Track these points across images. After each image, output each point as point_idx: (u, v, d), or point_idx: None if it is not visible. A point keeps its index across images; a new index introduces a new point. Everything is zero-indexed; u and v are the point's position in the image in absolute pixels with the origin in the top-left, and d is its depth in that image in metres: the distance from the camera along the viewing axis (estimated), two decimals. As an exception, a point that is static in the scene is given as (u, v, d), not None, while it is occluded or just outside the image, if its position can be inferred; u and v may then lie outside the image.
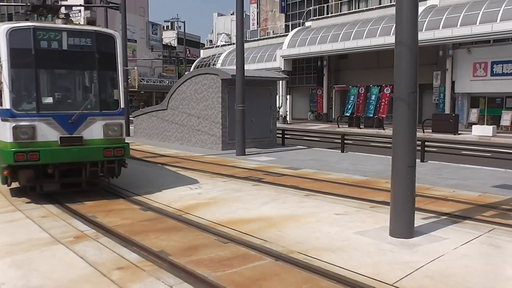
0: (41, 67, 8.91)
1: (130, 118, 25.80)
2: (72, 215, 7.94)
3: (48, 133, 8.53)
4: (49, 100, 9.02)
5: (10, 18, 67.49)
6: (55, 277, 5.15)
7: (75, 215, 7.93)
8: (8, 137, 8.34)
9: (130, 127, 25.23)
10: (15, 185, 9.08)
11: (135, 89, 9.34)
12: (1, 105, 8.58)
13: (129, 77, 9.54)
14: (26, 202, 8.89)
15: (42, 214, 7.95)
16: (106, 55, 9.28)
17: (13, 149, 8.25)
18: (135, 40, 71.26)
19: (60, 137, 8.62)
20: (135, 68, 10.38)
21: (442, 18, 28.63)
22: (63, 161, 8.76)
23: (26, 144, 8.36)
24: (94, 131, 8.95)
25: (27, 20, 9.64)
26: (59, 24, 9.06)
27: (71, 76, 9.72)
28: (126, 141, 9.54)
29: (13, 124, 8.30)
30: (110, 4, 31.28)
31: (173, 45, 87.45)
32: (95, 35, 9.17)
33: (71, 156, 8.77)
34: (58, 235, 6.70)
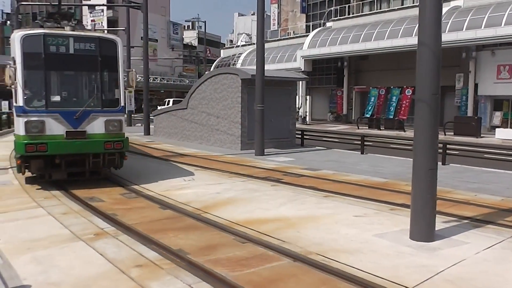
0: (50, 69, 9.98)
1: (150, 117, 25.99)
2: (93, 212, 8.03)
3: (55, 127, 9.67)
4: (57, 98, 10.12)
5: (34, 18, 68.68)
6: (74, 273, 5.21)
7: (95, 212, 8.02)
8: (21, 131, 9.54)
9: (150, 126, 25.41)
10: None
11: (133, 89, 11.06)
12: (16, 103, 9.72)
13: (125, 74, 10.77)
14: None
15: (63, 211, 8.05)
16: (108, 58, 10.33)
17: (24, 141, 9.41)
18: (156, 40, 71.86)
19: (66, 131, 9.76)
20: (133, 70, 11.20)
21: (465, 19, 28.24)
22: (68, 153, 9.89)
23: (36, 137, 9.48)
24: (96, 126, 10.04)
25: (41, 26, 10.56)
26: (67, 30, 10.14)
27: (77, 77, 10.71)
28: (126, 136, 10.57)
29: (25, 119, 9.47)
30: (132, 4, 31.53)
31: (193, 44, 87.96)
32: (98, 41, 10.26)
33: (75, 148, 9.87)
34: (79, 232, 6.78)
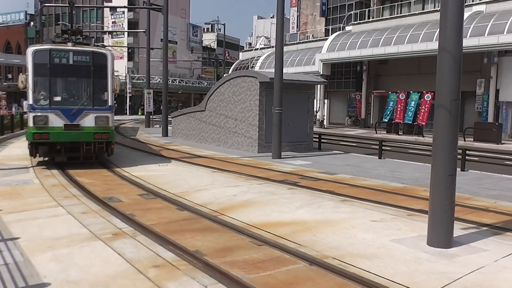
0: (53, 75, 12.53)
1: (169, 119, 26.16)
2: (111, 212, 8.12)
3: (56, 121, 12.27)
4: (58, 98, 12.63)
5: (57, 19, 69.79)
6: (93, 272, 5.28)
7: (114, 212, 8.12)
8: (30, 123, 12.22)
9: (168, 127, 25.58)
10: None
11: (116, 92, 13.38)
12: (27, 101, 12.35)
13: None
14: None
15: (82, 211, 8.17)
16: (99, 68, 12.79)
17: (32, 131, 12.12)
18: (176, 42, 72.40)
19: (64, 124, 12.33)
20: (117, 76, 13.68)
21: (488, 24, 27.89)
22: (65, 141, 12.52)
23: (41, 128, 12.13)
24: (87, 120, 12.54)
25: (53, 42, 13.68)
26: (68, 46, 12.79)
27: (74, 82, 13.13)
28: (113, 129, 13.06)
29: (33, 114, 12.15)
30: (153, 6, 31.84)
31: (212, 47, 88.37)
32: (92, 54, 12.80)
33: (71, 137, 12.47)
34: (97, 232, 6.87)
